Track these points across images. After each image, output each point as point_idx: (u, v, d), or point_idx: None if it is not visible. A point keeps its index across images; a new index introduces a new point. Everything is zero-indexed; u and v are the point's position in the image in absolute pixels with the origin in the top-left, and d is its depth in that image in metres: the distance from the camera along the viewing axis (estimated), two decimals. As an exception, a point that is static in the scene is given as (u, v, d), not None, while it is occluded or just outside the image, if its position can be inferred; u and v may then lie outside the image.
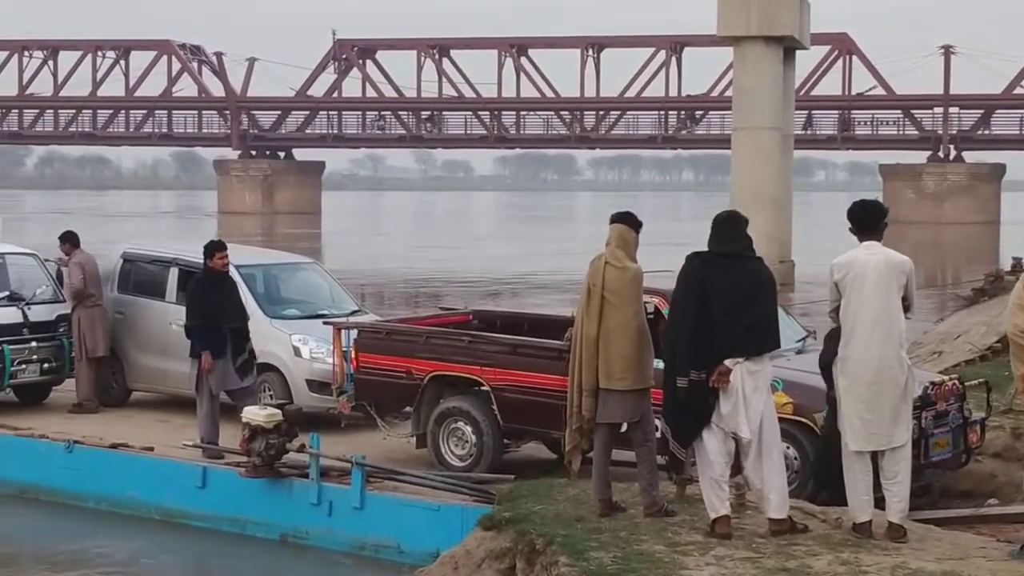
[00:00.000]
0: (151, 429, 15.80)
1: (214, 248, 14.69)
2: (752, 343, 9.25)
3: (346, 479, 12.97)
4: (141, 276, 17.38)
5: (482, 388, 13.31)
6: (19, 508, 14.99)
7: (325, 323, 15.13)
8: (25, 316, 16.88)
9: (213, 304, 14.33)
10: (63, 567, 13.14)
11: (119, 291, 17.37)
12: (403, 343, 13.90)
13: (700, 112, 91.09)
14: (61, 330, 17.03)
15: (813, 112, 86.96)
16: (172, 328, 16.30)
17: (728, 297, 9.22)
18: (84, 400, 16.94)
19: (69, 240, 17.44)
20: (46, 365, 16.96)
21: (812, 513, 9.75)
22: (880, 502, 9.40)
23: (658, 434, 10.11)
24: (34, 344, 16.85)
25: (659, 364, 9.81)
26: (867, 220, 9.37)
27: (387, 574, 12.34)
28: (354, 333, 14.36)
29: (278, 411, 13.22)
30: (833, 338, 10.22)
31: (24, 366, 16.78)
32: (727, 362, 9.20)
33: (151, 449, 14.67)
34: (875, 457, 9.30)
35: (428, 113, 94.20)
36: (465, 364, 13.39)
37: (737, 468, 9.53)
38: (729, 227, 9.50)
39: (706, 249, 9.51)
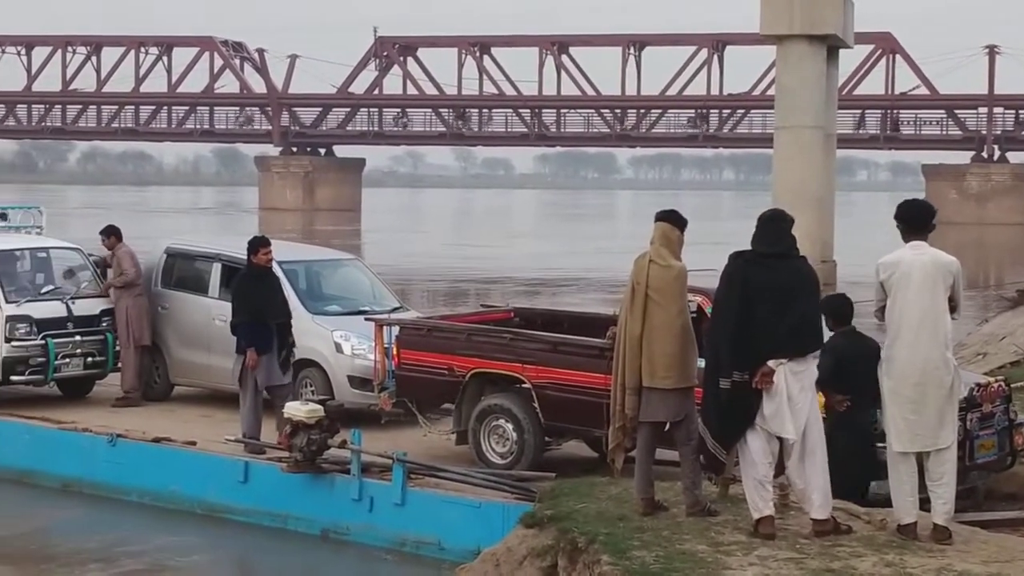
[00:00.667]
0: (193, 424, 15.86)
1: (258, 244, 14.73)
2: (795, 343, 9.18)
3: (387, 475, 13.00)
4: (184, 271, 17.46)
5: (523, 386, 13.29)
6: (62, 501, 15.08)
7: (367, 319, 15.14)
8: (69, 310, 16.98)
9: (259, 300, 14.38)
10: (105, 561, 13.21)
11: (162, 286, 17.45)
12: (445, 340, 13.88)
13: (714, 111, 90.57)
14: (105, 324, 17.13)
15: (855, 111, 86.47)
16: (215, 323, 16.37)
17: (771, 297, 9.15)
18: (130, 390, 17.05)
19: (112, 233, 17.59)
20: (90, 359, 17.04)
21: (856, 514, 9.69)
22: (925, 504, 9.34)
23: None
24: (78, 338, 16.94)
25: (702, 363, 9.76)
26: (915, 220, 9.30)
27: (428, 571, 12.35)
28: (396, 330, 14.37)
29: (320, 407, 13.27)
30: (827, 351, 10.03)
31: (68, 360, 16.88)
32: (770, 363, 9.13)
33: (193, 444, 14.74)
34: (920, 459, 9.24)
35: (461, 110, 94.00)
36: (506, 361, 13.36)
37: (780, 468, 9.48)
38: (773, 226, 9.44)
39: (749, 248, 9.45)
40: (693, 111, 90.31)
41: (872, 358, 10.66)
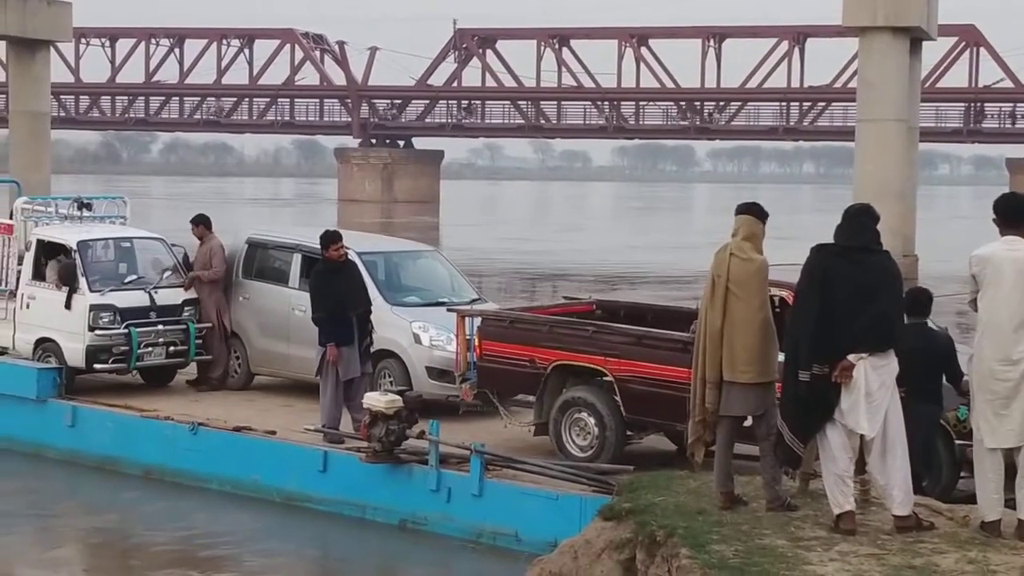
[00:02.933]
0: (273, 413, 15.99)
1: (329, 239, 14.77)
2: (875, 338, 9.07)
3: (465, 466, 13.04)
4: (265, 261, 17.58)
5: (605, 379, 13.24)
6: (144, 488, 15.26)
7: (449, 310, 15.16)
8: (152, 299, 17.17)
9: (337, 293, 14.45)
10: (185, 548, 13.36)
11: (243, 276, 17.58)
12: (527, 331, 13.82)
13: (723, 103, 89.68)
14: (187, 313, 17.30)
15: (939, 104, 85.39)
16: (295, 314, 16.49)
17: (851, 291, 9.05)
18: (219, 375, 17.52)
19: (202, 223, 17.79)
20: (172, 348, 17.23)
21: (939, 510, 9.58)
22: (1010, 501, 9.21)
23: None
24: (160, 327, 17.12)
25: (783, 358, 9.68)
26: (1012, 214, 9.13)
27: (505, 562, 12.37)
28: (477, 321, 14.37)
29: (398, 397, 13.33)
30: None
31: (150, 349, 17.06)
32: (850, 357, 9.03)
33: (273, 433, 14.86)
34: (1008, 456, 9.09)
35: (466, 102, 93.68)
36: (589, 354, 13.28)
37: (862, 463, 9.38)
38: (856, 220, 9.34)
39: (831, 241, 9.36)
40: (785, 103, 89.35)
41: (937, 354, 10.54)
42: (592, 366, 13.30)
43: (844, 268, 9.13)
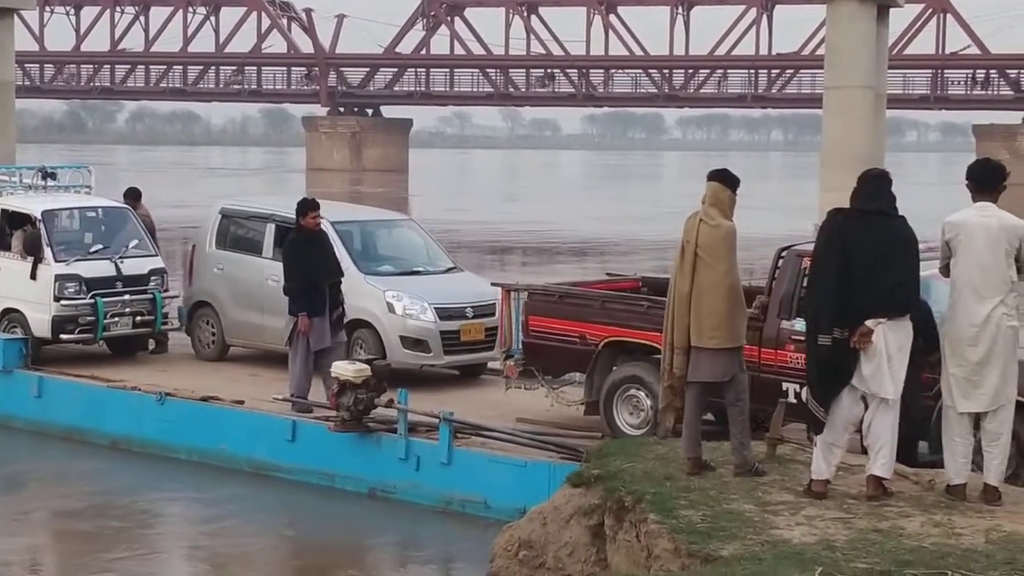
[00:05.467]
0: (241, 383, 15.96)
1: (306, 207, 14.70)
2: (894, 304, 9.02)
3: (434, 435, 13.05)
4: (238, 232, 17.52)
5: (659, 356, 12.94)
6: (111, 458, 15.23)
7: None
8: (118, 269, 17.10)
9: (310, 264, 14.40)
10: (154, 518, 13.35)
11: (216, 246, 17.52)
12: (577, 307, 13.38)
13: (692, 70, 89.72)
14: (153, 283, 17.24)
15: (906, 71, 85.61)
16: (269, 284, 16.41)
17: (870, 255, 8.99)
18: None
19: (136, 196, 18.77)
20: (139, 318, 17.17)
21: (905, 475, 9.63)
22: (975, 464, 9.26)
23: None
24: (127, 297, 17.05)
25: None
26: (985, 179, 9.13)
27: (474, 529, 12.40)
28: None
29: (367, 366, 13.32)
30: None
31: (117, 319, 17.01)
32: (868, 322, 8.98)
33: (241, 402, 14.83)
34: (976, 420, 9.14)
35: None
36: (643, 330, 12.79)
37: None
38: (874, 185, 9.28)
39: (848, 206, 9.32)
40: (754, 71, 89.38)
41: (917, 319, 10.54)
42: (646, 343, 12.78)
43: (862, 232, 9.06)
